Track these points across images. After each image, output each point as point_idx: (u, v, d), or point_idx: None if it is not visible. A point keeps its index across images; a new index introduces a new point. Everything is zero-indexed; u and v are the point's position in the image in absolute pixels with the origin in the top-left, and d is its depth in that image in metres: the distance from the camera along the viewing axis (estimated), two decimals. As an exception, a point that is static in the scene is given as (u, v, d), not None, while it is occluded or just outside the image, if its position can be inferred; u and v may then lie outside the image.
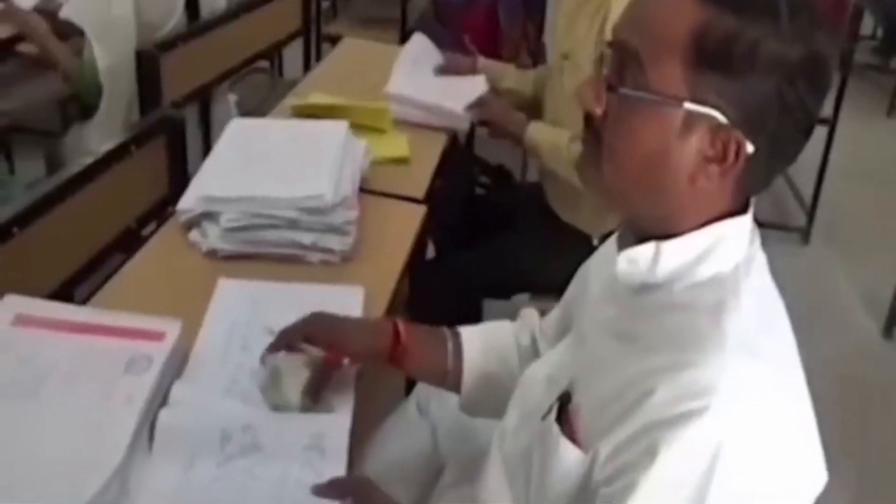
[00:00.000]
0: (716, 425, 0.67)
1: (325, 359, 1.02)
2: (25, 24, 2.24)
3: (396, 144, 1.70)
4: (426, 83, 1.95)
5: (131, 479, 0.89)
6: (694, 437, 0.67)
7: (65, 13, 2.04)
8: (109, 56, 2.01)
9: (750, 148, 0.70)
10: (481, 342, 1.09)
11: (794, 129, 0.72)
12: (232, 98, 2.49)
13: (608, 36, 0.78)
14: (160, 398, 0.99)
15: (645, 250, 0.76)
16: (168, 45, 1.98)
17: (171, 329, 1.05)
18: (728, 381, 0.68)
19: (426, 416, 1.28)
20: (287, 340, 1.02)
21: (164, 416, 0.96)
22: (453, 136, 1.90)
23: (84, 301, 1.19)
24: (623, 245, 0.81)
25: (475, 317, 1.97)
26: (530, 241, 1.85)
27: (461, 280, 1.81)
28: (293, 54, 3.03)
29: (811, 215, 3.08)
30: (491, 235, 1.89)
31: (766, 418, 0.69)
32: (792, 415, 0.72)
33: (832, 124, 2.94)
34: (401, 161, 1.66)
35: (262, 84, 2.81)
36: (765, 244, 0.80)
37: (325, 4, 3.60)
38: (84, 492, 0.85)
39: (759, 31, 0.68)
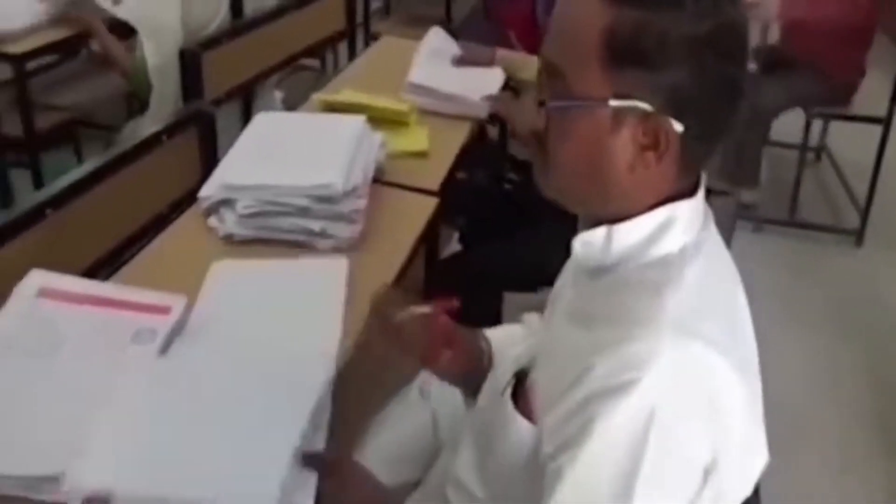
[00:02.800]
0: (649, 393, 0.69)
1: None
2: (88, 24, 2.40)
3: (416, 138, 1.74)
4: (445, 74, 1.99)
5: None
6: (628, 404, 0.70)
7: (120, 14, 2.18)
8: (158, 55, 2.14)
9: (679, 128, 0.73)
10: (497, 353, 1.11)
11: (719, 99, 0.75)
12: (278, 95, 2.59)
13: None
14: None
15: (598, 233, 0.80)
16: (210, 43, 2.09)
17: (177, 304, 1.13)
18: (662, 354, 0.70)
19: (427, 399, 1.33)
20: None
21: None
22: (481, 131, 1.93)
23: (105, 279, 1.29)
24: (583, 231, 0.84)
25: (496, 309, 2.01)
26: (555, 235, 1.85)
27: (484, 272, 1.84)
28: (345, 52, 3.11)
29: (865, 217, 2.97)
30: (517, 229, 1.91)
31: (698, 389, 0.71)
32: (726, 392, 0.73)
33: (887, 123, 2.84)
34: (420, 154, 1.71)
35: (309, 81, 2.91)
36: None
37: (376, 4, 3.68)
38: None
39: (664, 19, 0.71)
